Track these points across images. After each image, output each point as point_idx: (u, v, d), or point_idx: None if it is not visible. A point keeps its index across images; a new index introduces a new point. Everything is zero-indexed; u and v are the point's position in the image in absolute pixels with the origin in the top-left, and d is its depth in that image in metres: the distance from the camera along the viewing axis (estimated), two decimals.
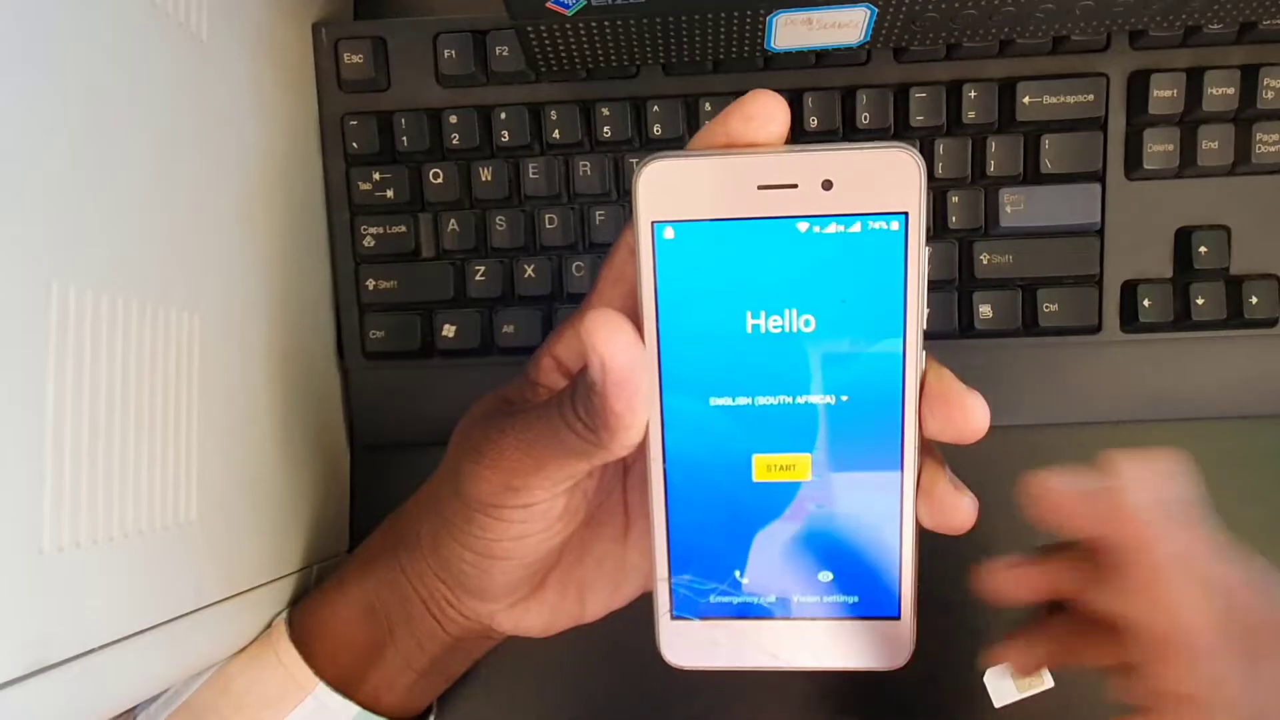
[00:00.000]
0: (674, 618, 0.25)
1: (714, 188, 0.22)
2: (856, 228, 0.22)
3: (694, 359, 0.23)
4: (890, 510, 0.24)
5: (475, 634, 0.31)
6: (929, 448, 0.25)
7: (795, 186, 0.22)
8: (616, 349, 0.21)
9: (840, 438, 0.23)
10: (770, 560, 0.25)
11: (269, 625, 0.33)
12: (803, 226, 0.22)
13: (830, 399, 0.23)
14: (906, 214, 0.21)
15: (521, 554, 0.27)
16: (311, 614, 0.33)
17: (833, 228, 0.22)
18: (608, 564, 0.29)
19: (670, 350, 0.23)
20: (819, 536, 0.24)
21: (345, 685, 0.32)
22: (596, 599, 0.30)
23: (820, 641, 0.25)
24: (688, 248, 0.22)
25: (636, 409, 0.22)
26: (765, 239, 0.22)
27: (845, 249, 0.22)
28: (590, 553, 0.29)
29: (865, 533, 0.24)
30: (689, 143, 0.24)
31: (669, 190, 0.22)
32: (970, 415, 0.23)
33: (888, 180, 0.21)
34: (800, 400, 0.23)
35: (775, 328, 0.22)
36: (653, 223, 0.22)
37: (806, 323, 0.22)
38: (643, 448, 0.24)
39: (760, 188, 0.22)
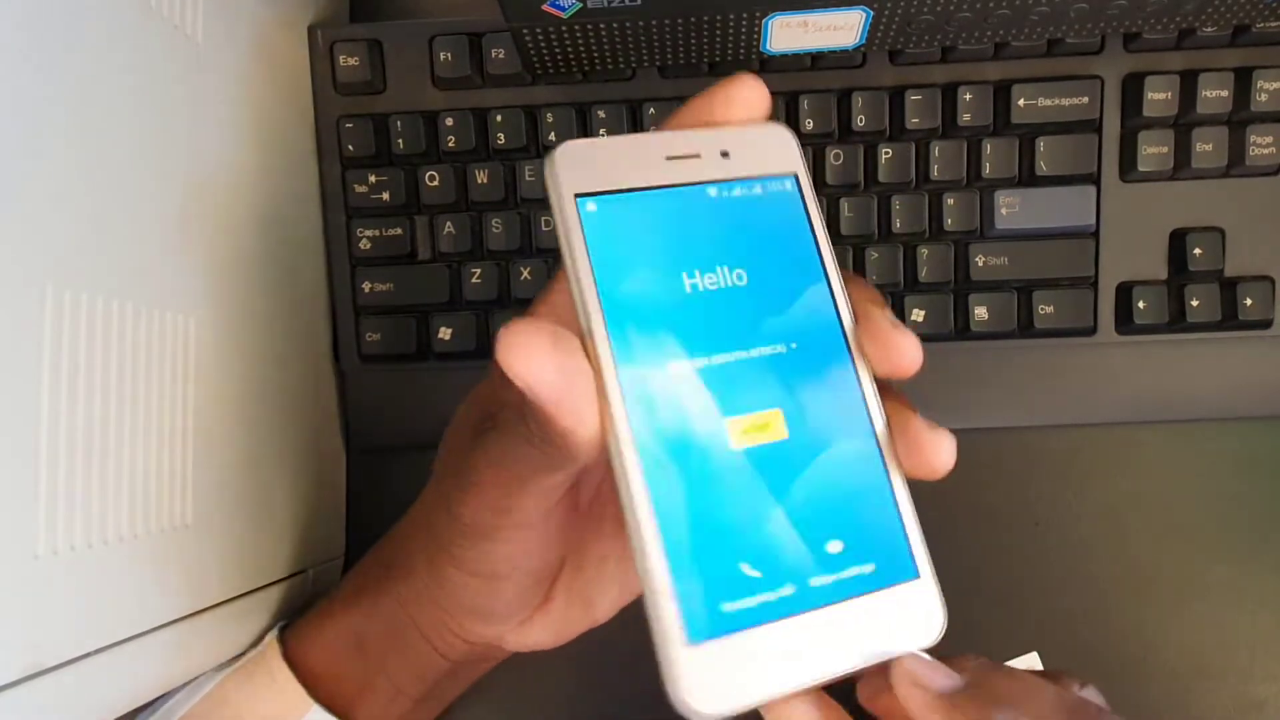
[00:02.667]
0: (689, 643, 0.21)
1: (627, 162, 0.24)
2: (758, 189, 0.25)
3: (641, 329, 0.22)
4: (873, 459, 0.23)
5: (478, 657, 0.31)
6: (893, 391, 0.24)
7: (698, 156, 0.24)
8: (538, 368, 0.20)
9: (802, 388, 0.23)
10: (774, 541, 0.22)
11: (261, 639, 0.33)
12: (712, 192, 0.24)
13: (780, 348, 0.23)
14: (796, 174, 0.25)
15: (526, 567, 0.27)
16: (304, 638, 0.33)
17: (738, 191, 0.24)
18: (609, 562, 0.28)
19: (616, 324, 0.22)
20: (814, 503, 0.23)
21: (337, 713, 0.31)
22: (605, 599, 0.28)
23: (853, 631, 0.22)
24: (612, 219, 0.23)
25: (584, 418, 0.21)
26: (682, 205, 0.24)
27: (753, 208, 0.24)
28: (590, 555, 0.29)
29: (858, 489, 0.23)
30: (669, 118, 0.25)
31: (585, 167, 0.23)
32: (899, 350, 0.23)
33: (773, 149, 0.25)
34: (754, 354, 0.23)
35: (711, 284, 0.23)
36: (575, 195, 0.23)
37: (740, 276, 0.23)
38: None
39: (668, 159, 0.24)
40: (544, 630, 0.29)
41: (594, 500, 0.29)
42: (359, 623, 0.32)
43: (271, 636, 0.33)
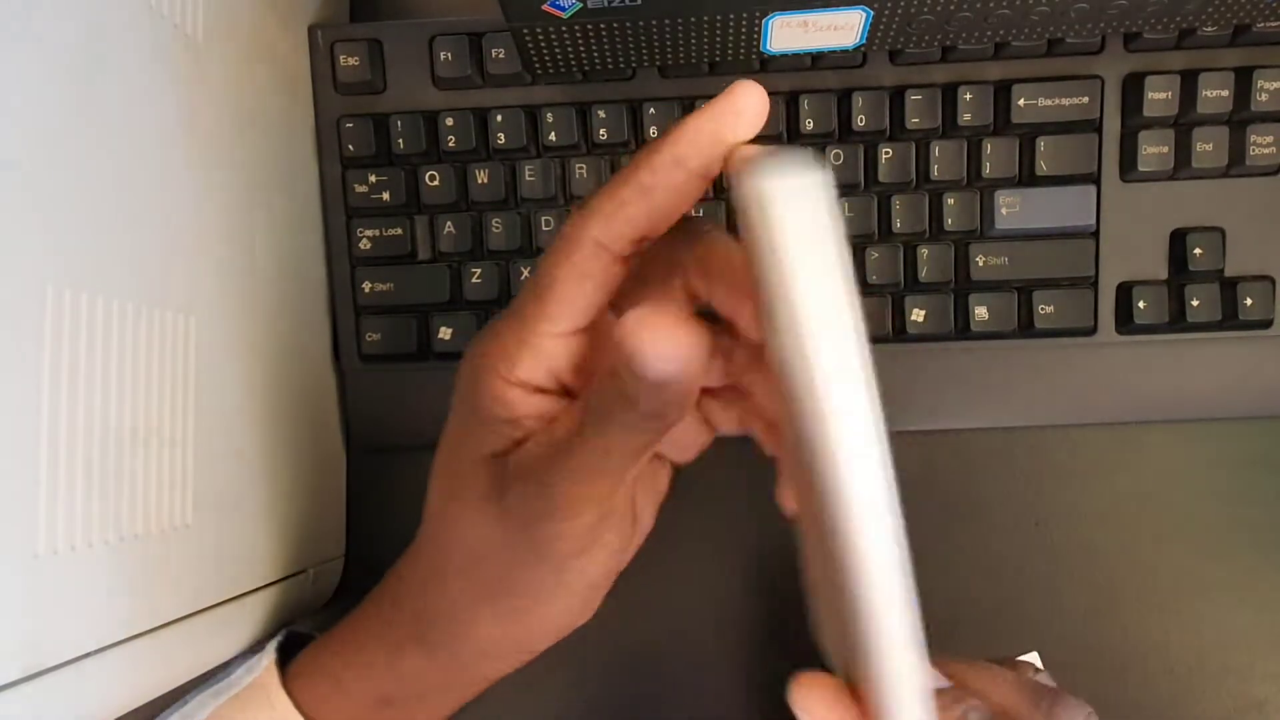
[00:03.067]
0: None
1: None
2: None
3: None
4: None
5: (513, 668, 0.30)
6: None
7: None
8: (691, 349, 0.19)
9: None
10: None
11: (262, 634, 0.33)
12: None
13: None
14: None
15: (617, 554, 0.27)
16: (311, 686, 0.31)
17: None
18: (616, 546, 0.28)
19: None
20: None
21: None
22: (646, 509, 0.28)
23: None
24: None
25: (690, 377, 0.20)
26: None
27: None
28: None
29: None
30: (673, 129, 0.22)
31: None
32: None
33: None
34: None
35: None
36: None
37: None
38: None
39: None
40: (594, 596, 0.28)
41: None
42: (388, 686, 0.30)
43: (270, 661, 0.31)
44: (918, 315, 0.37)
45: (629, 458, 0.23)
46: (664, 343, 0.19)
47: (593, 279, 0.23)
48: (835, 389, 0.18)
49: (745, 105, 0.22)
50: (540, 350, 0.24)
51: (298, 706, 0.30)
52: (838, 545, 0.19)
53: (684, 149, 0.22)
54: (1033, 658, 0.39)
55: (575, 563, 0.25)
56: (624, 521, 0.26)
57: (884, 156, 0.37)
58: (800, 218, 0.18)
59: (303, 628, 0.34)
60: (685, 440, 0.28)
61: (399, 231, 0.38)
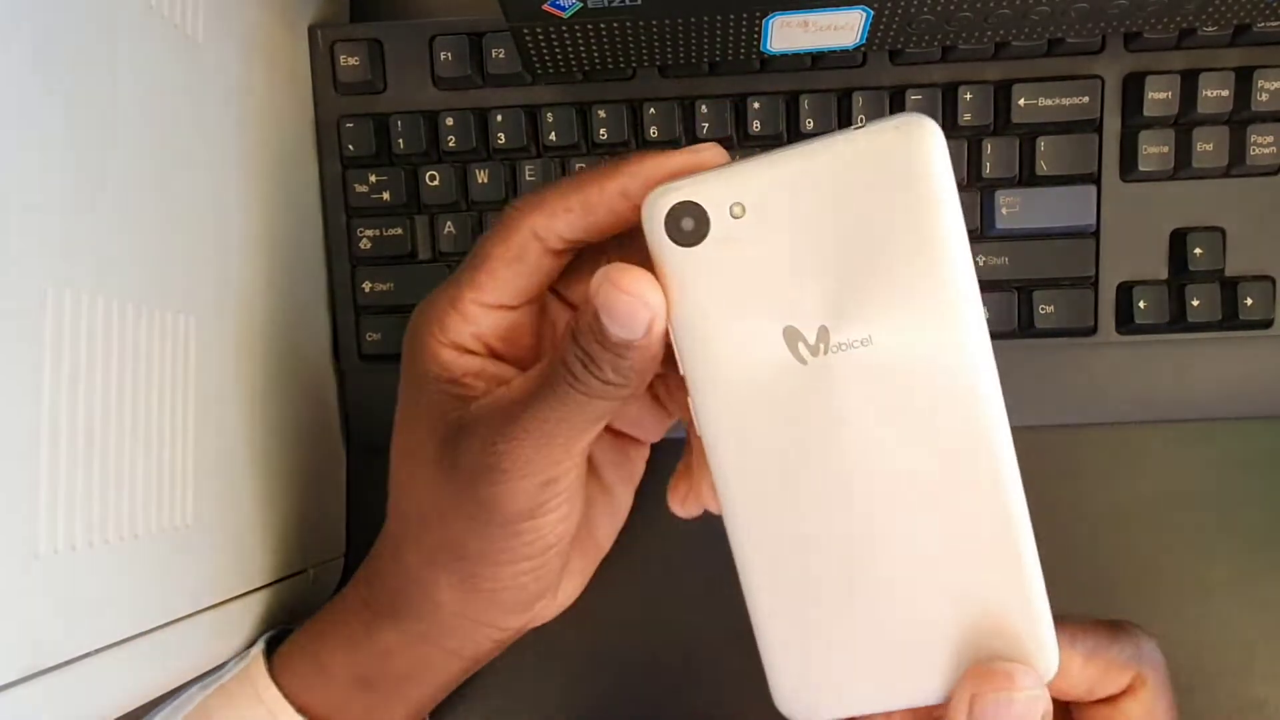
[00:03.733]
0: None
1: None
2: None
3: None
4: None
5: (487, 656, 0.30)
6: None
7: None
8: (658, 302, 0.22)
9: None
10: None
11: (261, 635, 0.33)
12: None
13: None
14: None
15: (566, 533, 0.27)
16: (295, 674, 0.31)
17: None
18: (599, 489, 0.29)
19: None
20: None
21: None
22: (603, 526, 0.30)
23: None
24: None
25: (661, 338, 0.22)
26: None
27: None
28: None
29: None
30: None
31: None
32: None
33: None
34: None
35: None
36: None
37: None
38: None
39: None
40: (570, 582, 0.29)
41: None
42: (365, 665, 0.30)
43: (257, 651, 0.32)
44: None
45: (579, 427, 0.24)
46: (634, 293, 0.21)
47: (523, 263, 0.25)
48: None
49: (707, 165, 0.24)
50: (468, 315, 0.26)
51: (283, 692, 0.30)
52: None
53: (634, 186, 0.24)
54: None
55: (523, 525, 0.26)
56: (574, 492, 0.26)
57: None
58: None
59: (297, 627, 0.34)
60: (646, 421, 0.30)
61: (399, 231, 0.38)
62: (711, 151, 0.24)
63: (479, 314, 0.26)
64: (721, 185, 0.22)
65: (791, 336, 0.22)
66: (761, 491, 0.22)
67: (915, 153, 0.21)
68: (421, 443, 0.27)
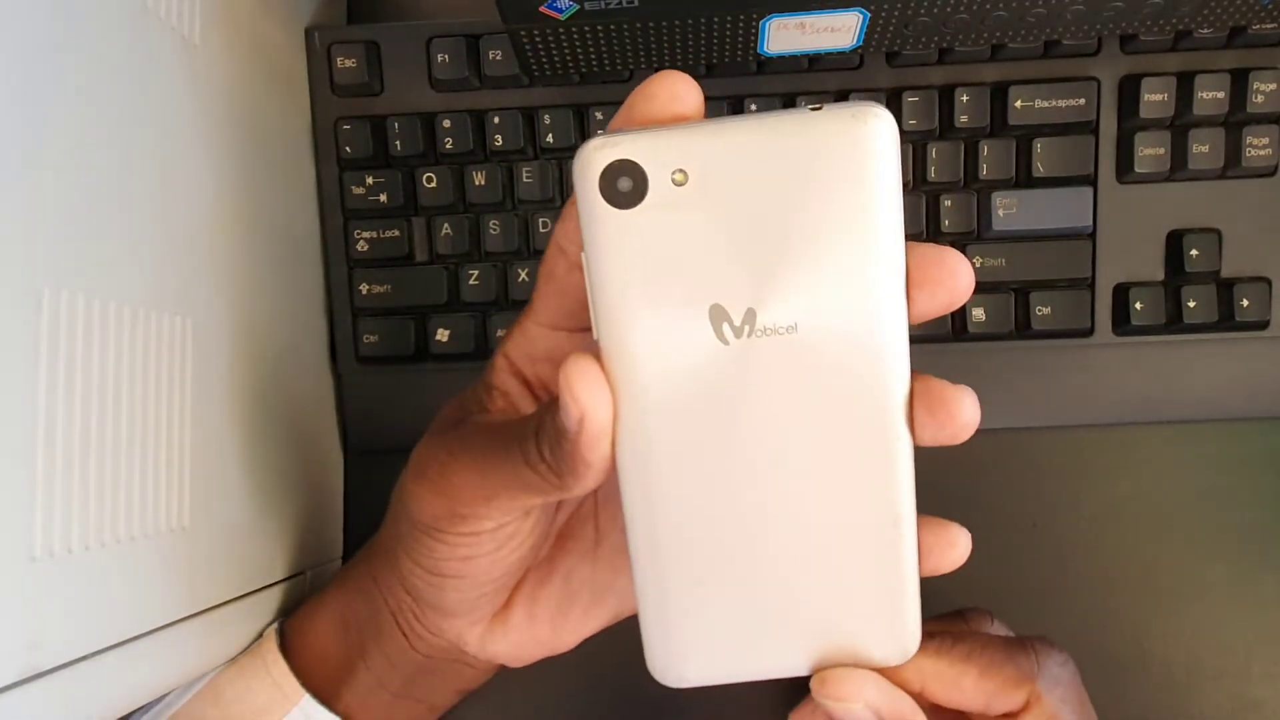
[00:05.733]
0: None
1: None
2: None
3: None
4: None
5: (446, 654, 0.30)
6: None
7: None
8: (599, 404, 0.21)
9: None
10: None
11: (260, 635, 0.33)
12: None
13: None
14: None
15: (472, 573, 0.26)
16: (298, 625, 0.33)
17: None
18: (575, 582, 0.28)
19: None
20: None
21: (323, 701, 0.31)
22: (567, 622, 0.28)
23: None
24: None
25: (606, 456, 0.21)
26: None
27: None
28: (557, 570, 0.28)
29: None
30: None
31: None
32: (956, 410, 0.22)
33: None
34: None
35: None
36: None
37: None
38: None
39: None
40: (502, 642, 0.28)
41: (572, 518, 0.28)
42: (344, 603, 0.32)
43: (271, 629, 0.33)
44: None
45: (508, 484, 0.23)
46: (567, 385, 0.20)
47: (554, 279, 0.24)
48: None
49: (656, 90, 0.22)
50: (528, 334, 0.25)
51: (292, 666, 0.31)
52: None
53: None
54: None
55: (423, 540, 0.26)
56: (522, 543, 0.26)
57: None
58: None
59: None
60: None
61: (396, 233, 0.38)
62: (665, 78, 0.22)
63: (537, 334, 0.25)
64: (665, 147, 0.20)
65: (717, 315, 0.21)
66: (657, 461, 0.22)
67: (865, 144, 0.20)
68: (442, 419, 0.27)
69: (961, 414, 0.21)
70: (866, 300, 0.21)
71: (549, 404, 0.22)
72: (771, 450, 0.22)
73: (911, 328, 0.22)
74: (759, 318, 0.21)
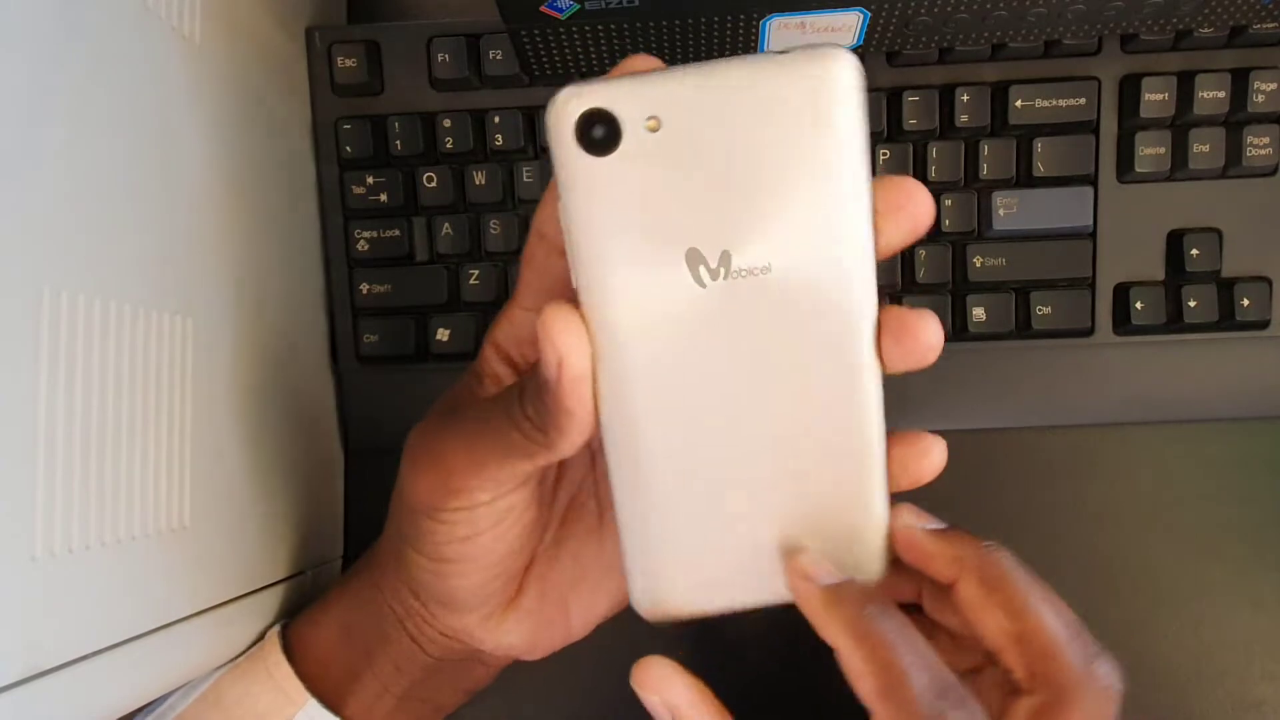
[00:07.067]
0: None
1: None
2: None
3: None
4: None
5: (458, 655, 0.30)
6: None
7: None
8: (576, 347, 0.21)
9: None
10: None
11: (263, 636, 0.33)
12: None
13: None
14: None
15: (474, 555, 0.26)
16: (301, 631, 0.32)
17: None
18: (584, 560, 0.28)
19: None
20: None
21: (327, 706, 0.31)
22: (580, 605, 0.28)
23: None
24: None
25: (588, 403, 0.22)
26: None
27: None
28: (564, 551, 0.28)
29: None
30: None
31: None
32: (919, 333, 0.22)
33: None
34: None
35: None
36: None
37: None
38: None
39: None
40: (515, 632, 0.28)
41: (575, 499, 0.28)
42: (347, 611, 0.31)
43: (273, 632, 0.33)
44: None
45: (498, 450, 0.24)
46: (544, 330, 0.21)
47: (534, 262, 0.25)
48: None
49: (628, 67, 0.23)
50: (513, 319, 0.26)
51: (296, 669, 0.31)
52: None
53: None
54: None
55: (424, 523, 0.26)
56: (521, 516, 0.26)
57: (881, 158, 0.37)
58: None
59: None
60: None
61: (397, 233, 0.38)
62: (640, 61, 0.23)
63: (522, 319, 0.26)
64: (637, 95, 0.21)
65: (693, 259, 0.21)
66: (635, 401, 0.22)
67: (829, 83, 0.21)
68: (433, 410, 0.28)
69: (924, 335, 0.22)
70: (835, 237, 0.22)
71: (531, 367, 0.23)
72: (747, 385, 0.23)
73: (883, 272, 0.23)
74: (734, 260, 0.21)
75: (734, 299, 0.22)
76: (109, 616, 0.25)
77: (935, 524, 0.25)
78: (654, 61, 0.23)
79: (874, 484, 0.24)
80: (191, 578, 0.29)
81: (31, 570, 0.23)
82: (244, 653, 0.32)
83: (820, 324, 0.22)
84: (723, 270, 0.22)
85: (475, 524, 0.25)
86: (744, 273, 0.22)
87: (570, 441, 0.22)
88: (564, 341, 0.21)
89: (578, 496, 0.29)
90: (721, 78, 0.21)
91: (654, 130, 0.21)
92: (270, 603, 0.34)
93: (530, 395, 0.22)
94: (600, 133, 0.21)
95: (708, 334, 0.22)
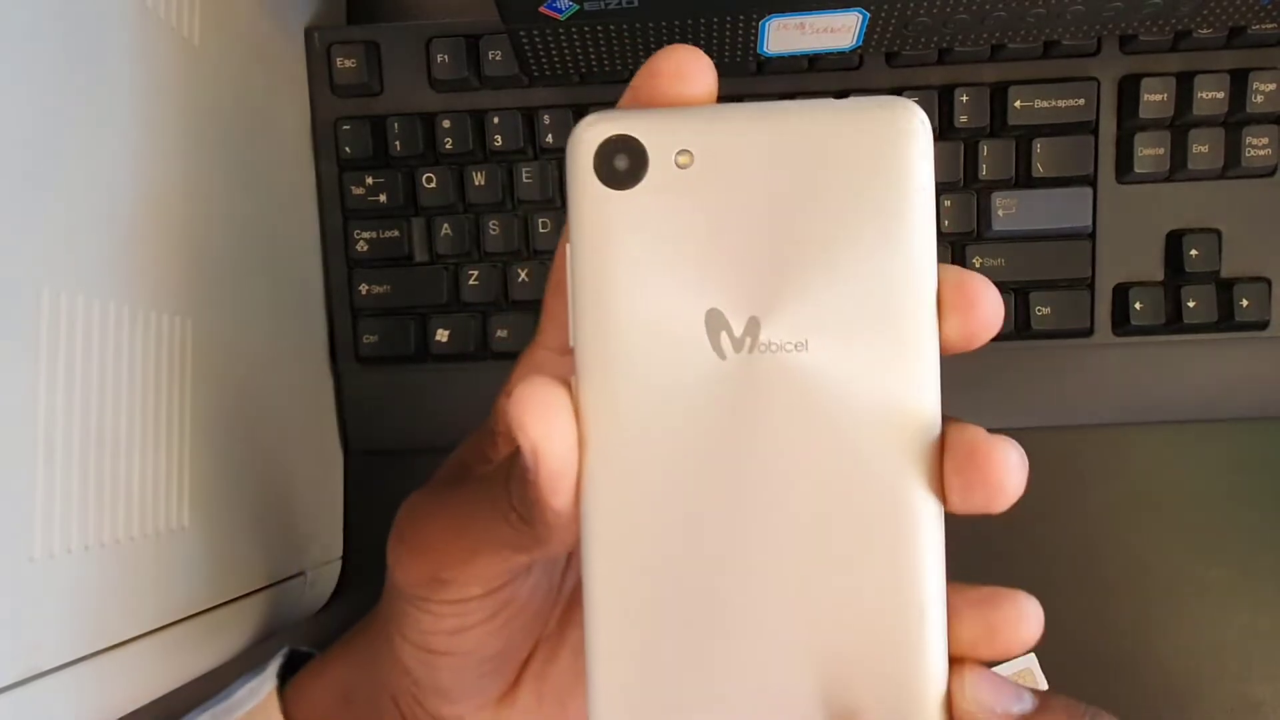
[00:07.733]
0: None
1: None
2: None
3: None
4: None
5: None
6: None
7: None
8: (554, 435, 0.17)
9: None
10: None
11: (263, 636, 0.33)
12: None
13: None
14: None
15: (465, 649, 0.23)
16: (299, 691, 0.30)
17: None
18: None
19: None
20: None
21: None
22: (581, 710, 0.25)
23: None
24: None
25: (572, 500, 0.18)
26: None
27: None
28: (567, 644, 0.25)
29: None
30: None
31: None
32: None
33: None
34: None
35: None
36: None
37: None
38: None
39: None
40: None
41: (578, 587, 0.25)
42: (348, 674, 0.29)
43: (272, 692, 0.31)
44: None
45: (484, 538, 0.20)
46: (514, 414, 0.17)
47: (563, 293, 0.21)
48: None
49: (660, 68, 0.19)
50: (533, 360, 0.23)
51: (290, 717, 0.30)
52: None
53: None
54: (1030, 659, 0.39)
55: (407, 607, 0.23)
56: (519, 611, 0.23)
57: None
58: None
59: (304, 647, 0.33)
60: None
61: (396, 233, 0.38)
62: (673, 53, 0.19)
63: (545, 360, 0.23)
64: (669, 125, 0.18)
65: (714, 322, 0.18)
66: (630, 487, 0.18)
67: (902, 140, 0.18)
68: (439, 472, 0.25)
69: (998, 472, 0.17)
70: (893, 321, 0.18)
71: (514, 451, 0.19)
72: (765, 494, 0.18)
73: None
74: (763, 329, 0.18)
75: (758, 377, 0.18)
76: (108, 617, 0.25)
77: (1014, 697, 0.18)
78: (696, 56, 0.19)
79: (930, 658, 0.18)
80: (191, 578, 0.29)
81: (31, 571, 0.23)
82: (241, 679, 0.31)
83: (864, 431, 0.18)
84: (748, 340, 0.18)
85: (466, 617, 0.22)
86: (773, 347, 0.18)
87: (560, 540, 0.19)
88: (538, 431, 0.17)
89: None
90: (771, 118, 0.18)
91: (685, 166, 0.18)
92: (269, 604, 0.34)
93: (516, 483, 0.19)
94: (623, 163, 0.18)
95: (723, 420, 0.18)
